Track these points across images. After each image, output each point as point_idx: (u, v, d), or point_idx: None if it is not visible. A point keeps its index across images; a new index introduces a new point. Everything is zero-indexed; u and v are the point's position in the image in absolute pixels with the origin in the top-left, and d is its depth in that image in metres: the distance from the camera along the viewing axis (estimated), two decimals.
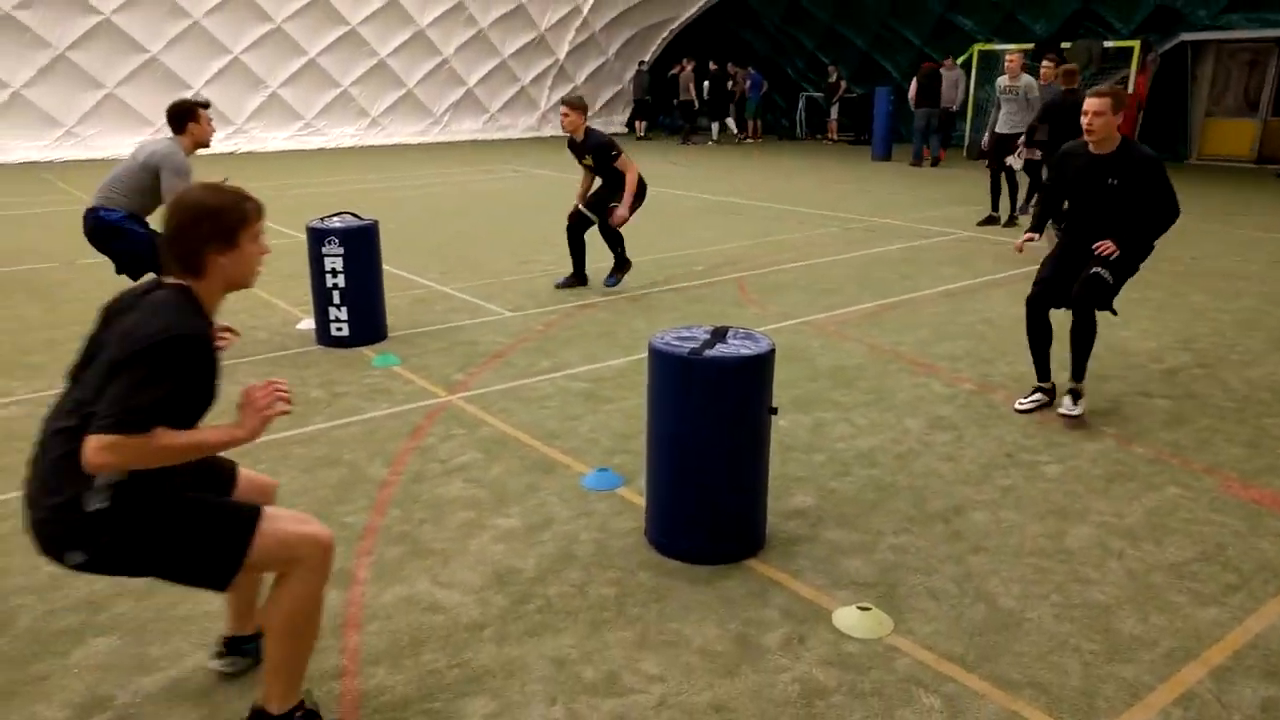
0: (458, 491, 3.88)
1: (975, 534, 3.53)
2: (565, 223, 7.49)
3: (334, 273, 5.78)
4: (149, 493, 2.14)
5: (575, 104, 6.96)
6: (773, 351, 3.28)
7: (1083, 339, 4.55)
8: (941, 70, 17.38)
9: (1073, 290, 4.53)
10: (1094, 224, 4.60)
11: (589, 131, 7.10)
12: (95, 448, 1.93)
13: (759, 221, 10.93)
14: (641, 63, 23.77)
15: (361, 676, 2.70)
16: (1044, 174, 9.78)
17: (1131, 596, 3.10)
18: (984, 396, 5.01)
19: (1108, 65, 16.87)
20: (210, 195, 2.20)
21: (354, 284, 5.82)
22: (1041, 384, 4.88)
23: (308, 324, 6.32)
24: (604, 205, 7.19)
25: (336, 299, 5.81)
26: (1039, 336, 4.82)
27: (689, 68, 22.08)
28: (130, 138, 18.67)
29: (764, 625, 2.94)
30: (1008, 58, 10.27)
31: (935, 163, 16.92)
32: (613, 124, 26.04)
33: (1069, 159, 4.69)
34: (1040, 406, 4.81)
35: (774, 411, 3.32)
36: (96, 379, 2.05)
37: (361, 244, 5.86)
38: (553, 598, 3.10)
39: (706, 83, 21.94)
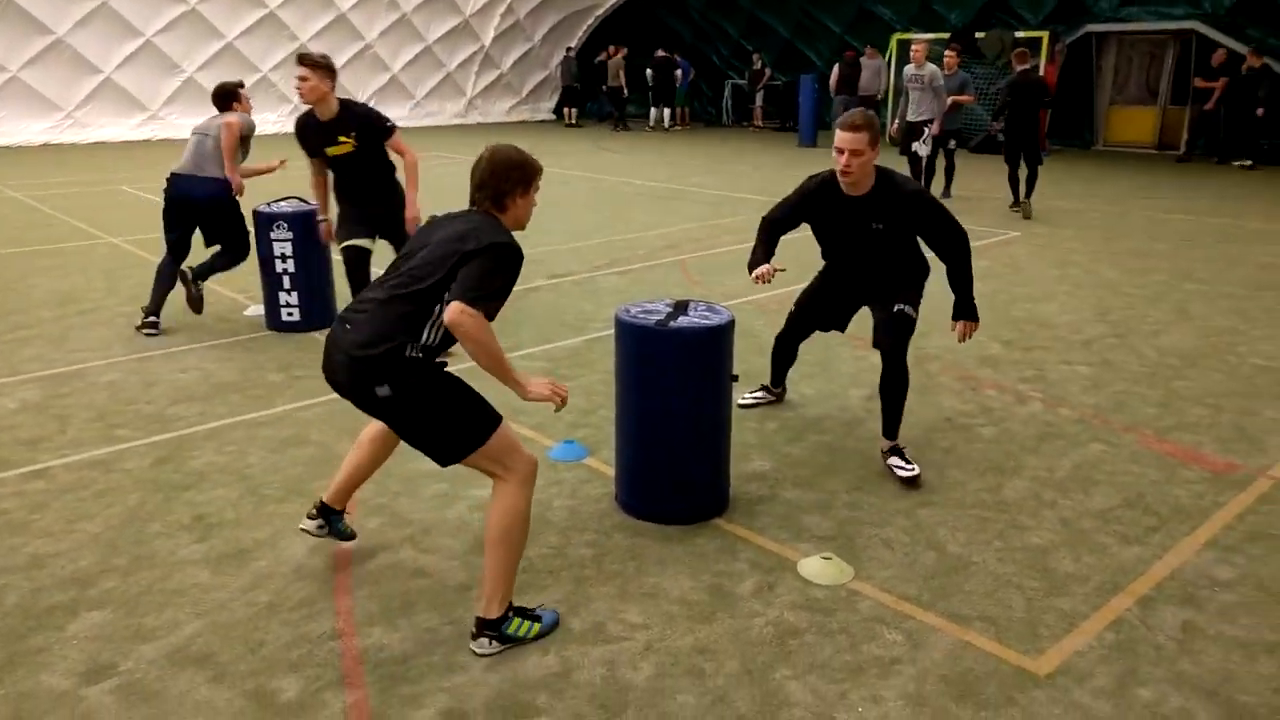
0: (429, 466, 3.97)
1: (922, 490, 3.80)
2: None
3: (283, 257, 5.79)
4: (436, 361, 2.75)
5: (319, 64, 4.99)
6: (733, 322, 3.48)
7: (896, 389, 3.92)
8: (863, 59, 17.94)
9: (880, 341, 3.97)
10: (859, 271, 4.15)
11: (345, 104, 5.18)
12: (459, 310, 2.50)
13: (696, 206, 11.16)
14: (569, 49, 23.77)
15: (359, 636, 2.81)
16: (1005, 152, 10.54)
17: (1065, 540, 3.41)
18: (921, 367, 5.31)
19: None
20: (520, 153, 2.85)
21: (304, 268, 5.83)
22: (772, 387, 4.72)
23: (256, 310, 6.29)
24: (391, 219, 5.24)
25: (286, 284, 5.82)
26: (784, 359, 4.61)
27: (619, 54, 22.15)
28: (37, 123, 17.97)
29: (735, 576, 3.15)
30: (913, 47, 10.56)
31: None
32: (540, 111, 26.01)
33: (815, 198, 3.95)
34: (762, 403, 4.70)
35: (735, 378, 3.53)
36: (435, 262, 2.64)
37: (310, 228, 5.86)
38: (534, 559, 3.25)
39: (650, 70, 22.04)
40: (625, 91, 22.34)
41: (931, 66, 10.46)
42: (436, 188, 12.94)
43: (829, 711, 2.49)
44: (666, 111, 22.27)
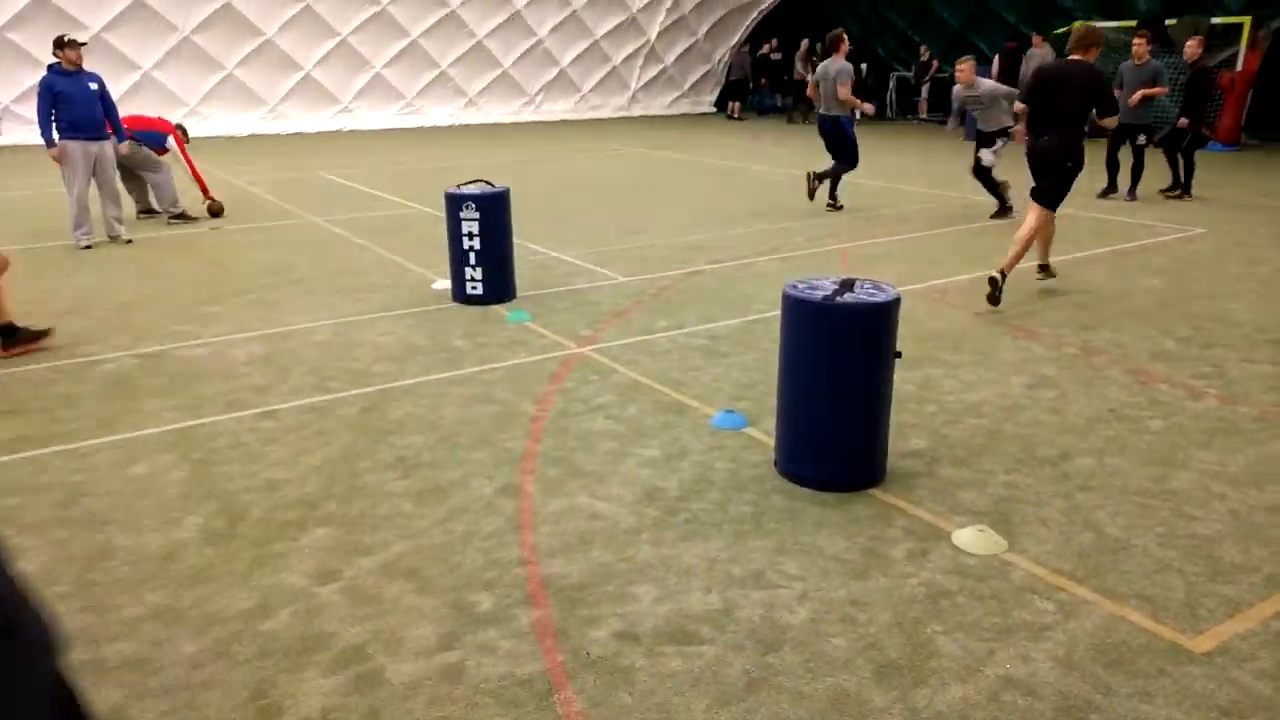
0: (601, 426, 4.33)
1: (1081, 476, 3.81)
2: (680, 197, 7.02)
3: (470, 235, 6.28)
4: None
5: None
6: (899, 300, 3.61)
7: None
8: (1031, 50, 17.31)
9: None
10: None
11: None
12: (1110, 119, 5.88)
13: (856, 197, 11.13)
14: (744, 44, 23.99)
15: (541, 565, 3.15)
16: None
17: (1233, 531, 3.36)
18: (1087, 360, 5.23)
19: (1214, 43, 16.41)
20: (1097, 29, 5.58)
21: (488, 246, 6.32)
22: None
23: (442, 284, 6.85)
24: None
25: (472, 260, 6.32)
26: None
27: (806, 46, 22.16)
28: (246, 115, 19.72)
29: (889, 541, 3.30)
30: (959, 66, 9.29)
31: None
32: (701, 104, 26.29)
33: None
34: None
35: (898, 355, 3.66)
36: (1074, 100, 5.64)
37: (495, 209, 6.34)
38: (697, 512, 3.51)
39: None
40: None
41: (986, 83, 9.36)
42: (607, 179, 13.46)
43: (977, 666, 2.62)
44: None
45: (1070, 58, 6.14)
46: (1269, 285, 6.84)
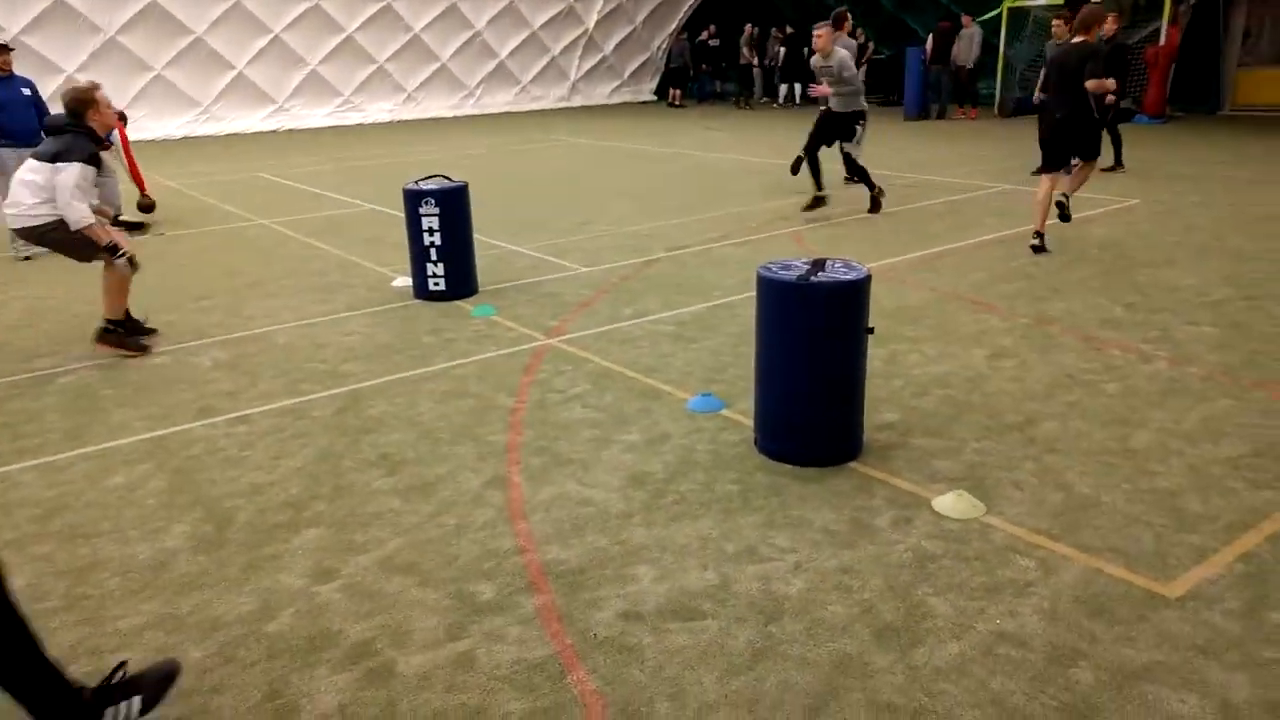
0: (580, 415, 4.37)
1: (1048, 439, 3.98)
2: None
3: (430, 231, 6.25)
4: None
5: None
6: (869, 278, 3.71)
7: None
8: (963, 29, 17.75)
9: None
10: None
11: None
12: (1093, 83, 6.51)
13: (805, 180, 11.28)
14: (682, 31, 24.06)
15: (538, 552, 3.19)
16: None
17: (1193, 484, 3.54)
18: (1041, 329, 5.42)
19: (1139, 18, 16.97)
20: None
21: (449, 241, 6.30)
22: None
23: (403, 281, 6.81)
24: None
25: (433, 256, 6.29)
26: None
27: (750, 31, 22.30)
28: (177, 118, 19.21)
29: (872, 511, 3.41)
30: (815, 33, 8.68)
31: (941, 116, 18.21)
32: (642, 93, 26.31)
33: None
34: None
35: (870, 331, 3.77)
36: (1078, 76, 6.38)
37: (455, 204, 6.32)
38: (685, 493, 3.58)
39: (783, 49, 22.08)
40: (756, 67, 22.53)
41: (842, 53, 8.66)
42: (554, 169, 13.44)
43: (969, 623, 2.73)
44: (785, 88, 22.40)
45: (1074, 40, 7.16)
46: (1204, 251, 7.15)
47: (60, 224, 5.21)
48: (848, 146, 8.88)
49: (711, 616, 2.80)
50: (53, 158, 5.15)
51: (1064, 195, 7.37)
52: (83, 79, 17.65)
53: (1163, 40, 16.23)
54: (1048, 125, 7.30)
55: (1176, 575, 2.94)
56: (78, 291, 7.03)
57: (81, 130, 5.24)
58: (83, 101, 5.23)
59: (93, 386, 5.00)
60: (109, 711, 2.33)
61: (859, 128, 8.85)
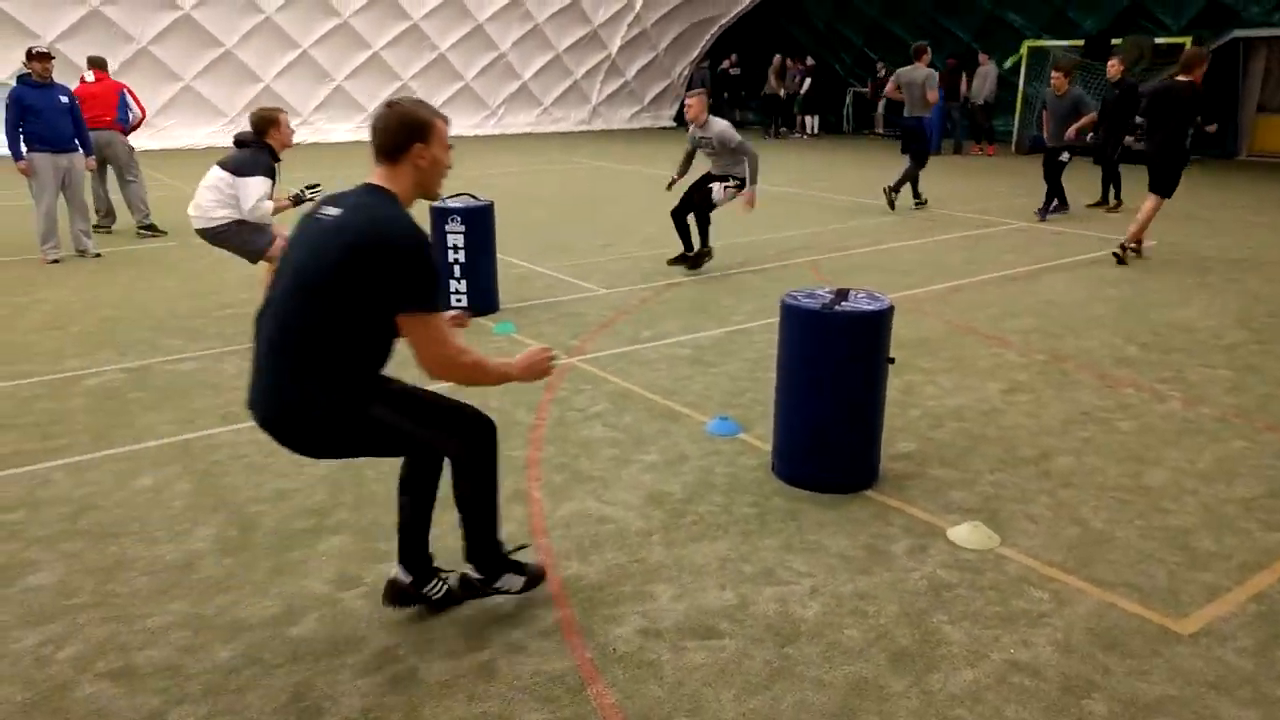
0: (600, 433, 4.43)
1: (1062, 474, 4.01)
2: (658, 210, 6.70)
3: (455, 248, 6.36)
4: None
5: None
6: (892, 309, 3.78)
7: None
8: (980, 67, 18.06)
9: None
10: None
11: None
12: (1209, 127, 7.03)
13: (823, 211, 11.39)
14: (704, 60, 24.28)
15: (558, 568, 3.24)
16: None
17: (1207, 523, 3.57)
18: (1057, 365, 5.46)
19: (1159, 61, 17.08)
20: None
21: (473, 259, 6.40)
22: None
23: None
24: None
25: (457, 272, 6.39)
26: None
27: (778, 61, 22.38)
28: (205, 128, 19.51)
29: (889, 538, 3.45)
30: (687, 102, 7.82)
31: (957, 151, 18.60)
32: (661, 118, 26.54)
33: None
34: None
35: (892, 360, 3.83)
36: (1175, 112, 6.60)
37: (480, 222, 6.43)
38: (704, 514, 3.63)
39: (809, 80, 22.23)
40: (783, 97, 22.51)
41: (720, 124, 7.68)
42: (576, 191, 13.58)
43: (984, 651, 2.77)
44: (814, 120, 22.56)
45: (1177, 78, 7.84)
46: (1218, 293, 7.19)
47: (233, 227, 5.87)
48: (714, 187, 7.76)
49: (729, 636, 2.84)
50: (235, 170, 5.81)
51: (1123, 247, 8.21)
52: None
53: None
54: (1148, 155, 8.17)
55: (1190, 612, 2.97)
56: (105, 294, 7.15)
57: (264, 147, 5.91)
58: (266, 120, 5.94)
59: (120, 389, 5.09)
60: (505, 577, 2.97)
61: (727, 190, 7.79)
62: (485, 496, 2.88)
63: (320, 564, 3.26)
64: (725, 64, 24.20)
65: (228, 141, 19.34)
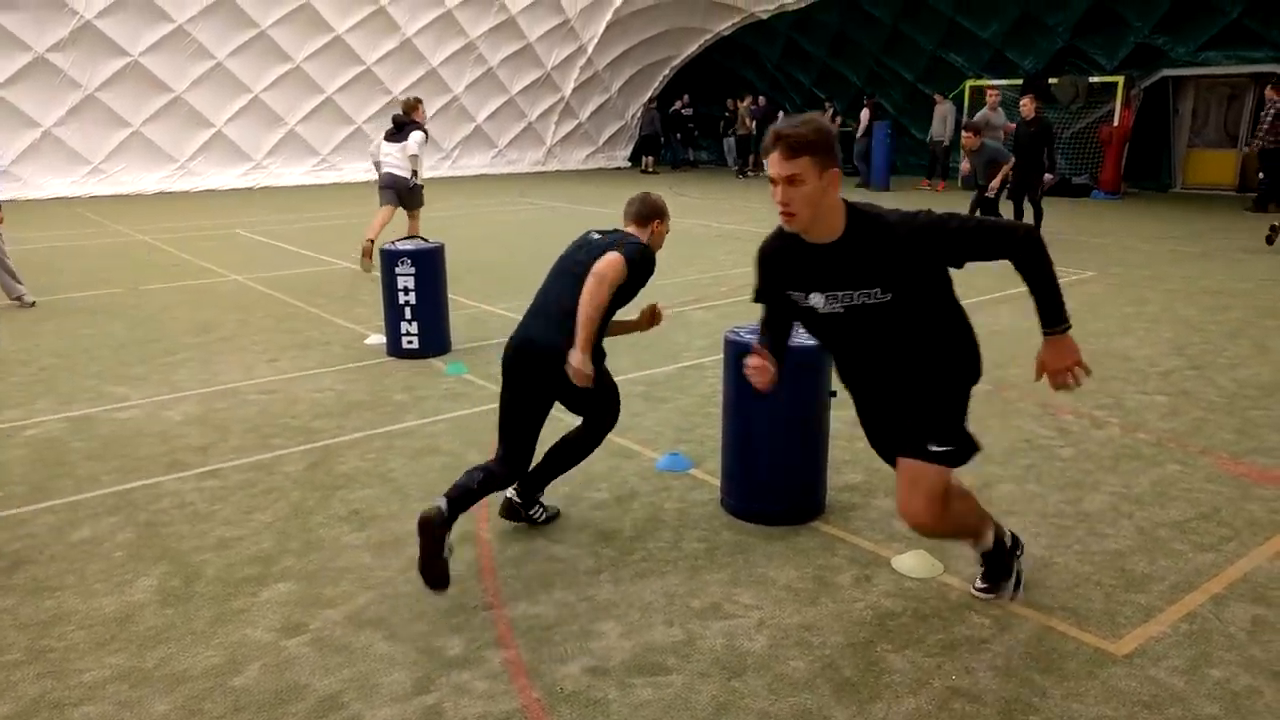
0: None
1: (1005, 501, 4.10)
2: None
3: (406, 290, 6.36)
4: None
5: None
6: None
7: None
8: (937, 106, 18.58)
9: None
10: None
11: None
12: None
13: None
14: (652, 100, 24.66)
15: (506, 608, 3.24)
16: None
17: (1141, 546, 3.67)
18: (1000, 395, 5.59)
19: (1093, 99, 17.74)
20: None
21: (424, 300, 6.40)
22: None
23: (376, 339, 6.88)
24: None
25: (408, 314, 6.39)
26: None
27: (747, 101, 22.72)
28: (156, 173, 19.35)
29: (835, 569, 3.50)
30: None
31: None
32: (615, 159, 26.85)
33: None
34: None
35: (833, 394, 3.90)
36: None
37: (430, 264, 6.45)
38: (652, 550, 3.65)
39: (781, 113, 22.60)
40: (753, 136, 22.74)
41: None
42: (531, 231, 13.65)
43: (926, 679, 2.81)
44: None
45: None
46: (1155, 322, 7.42)
47: (404, 179, 9.73)
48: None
49: (676, 671, 2.86)
50: (400, 138, 9.58)
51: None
52: (61, 134, 17.53)
53: (1116, 121, 16.95)
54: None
55: (1124, 633, 3.04)
56: (46, 344, 7.03)
57: (413, 122, 9.66)
58: (411, 107, 9.79)
59: (61, 439, 4.99)
60: (538, 508, 3.89)
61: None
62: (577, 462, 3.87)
63: (264, 611, 3.22)
64: (677, 104, 24.60)
65: (179, 187, 19.30)
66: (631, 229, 3.85)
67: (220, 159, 20.05)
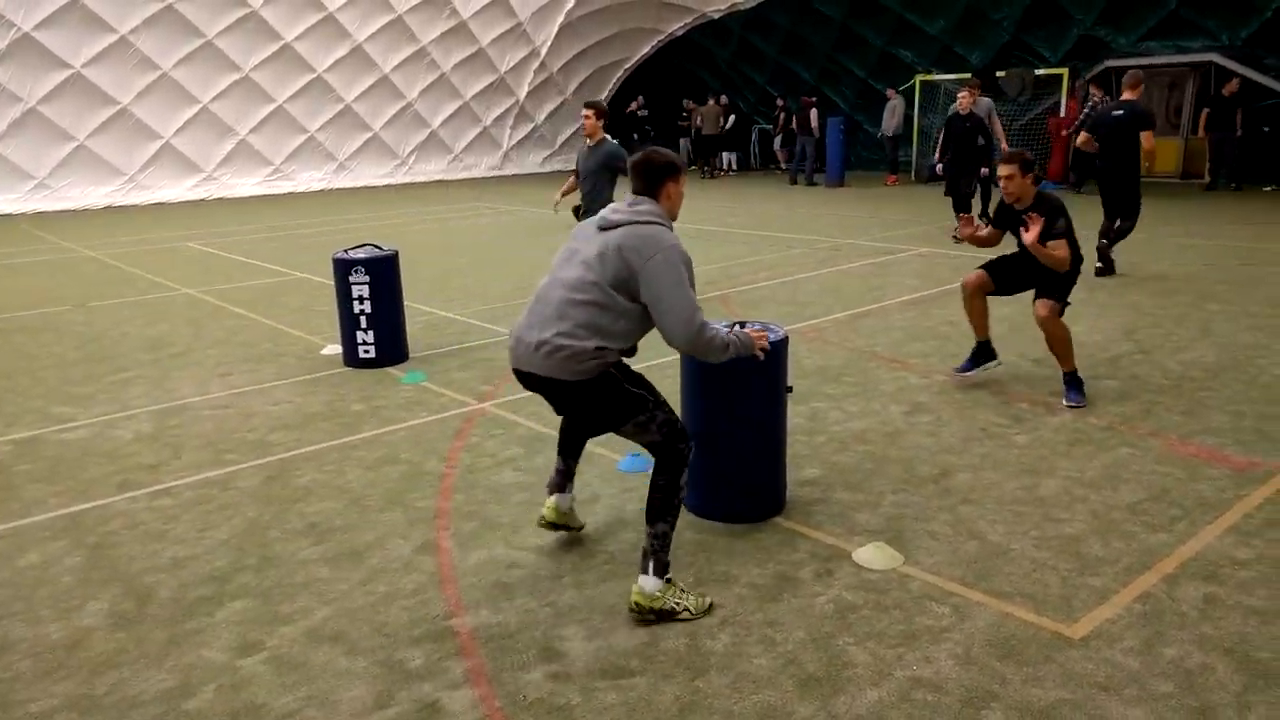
0: (511, 478, 4.41)
1: (962, 490, 4.15)
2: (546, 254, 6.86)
3: (360, 299, 6.28)
4: None
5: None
6: (787, 338, 3.88)
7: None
8: (889, 101, 18.84)
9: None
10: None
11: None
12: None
13: (733, 245, 11.62)
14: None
15: (469, 616, 3.21)
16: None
17: (1095, 529, 3.73)
18: (956, 385, 5.66)
19: (1040, 91, 18.04)
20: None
21: (379, 309, 6.33)
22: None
23: (332, 349, 6.79)
24: None
25: (364, 323, 6.31)
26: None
27: (711, 102, 22.58)
28: (101, 188, 18.94)
29: (796, 564, 3.51)
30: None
31: (810, 183, 19.34)
32: (573, 161, 26.73)
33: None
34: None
35: (790, 390, 3.92)
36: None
37: (384, 271, 6.37)
38: (615, 552, 3.64)
39: (732, 117, 22.57)
40: (720, 139, 22.75)
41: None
42: (489, 235, 13.57)
43: (888, 670, 2.83)
44: (733, 157, 23.38)
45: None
46: (1104, 308, 7.56)
47: None
48: None
49: (639, 674, 2.85)
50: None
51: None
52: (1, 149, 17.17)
53: (1063, 112, 17.25)
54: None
55: (1080, 616, 3.09)
56: None
57: None
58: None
59: (5, 463, 4.86)
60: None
61: None
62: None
63: (219, 631, 3.15)
64: (633, 105, 24.57)
65: (128, 201, 18.91)
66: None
67: (170, 171, 19.68)
